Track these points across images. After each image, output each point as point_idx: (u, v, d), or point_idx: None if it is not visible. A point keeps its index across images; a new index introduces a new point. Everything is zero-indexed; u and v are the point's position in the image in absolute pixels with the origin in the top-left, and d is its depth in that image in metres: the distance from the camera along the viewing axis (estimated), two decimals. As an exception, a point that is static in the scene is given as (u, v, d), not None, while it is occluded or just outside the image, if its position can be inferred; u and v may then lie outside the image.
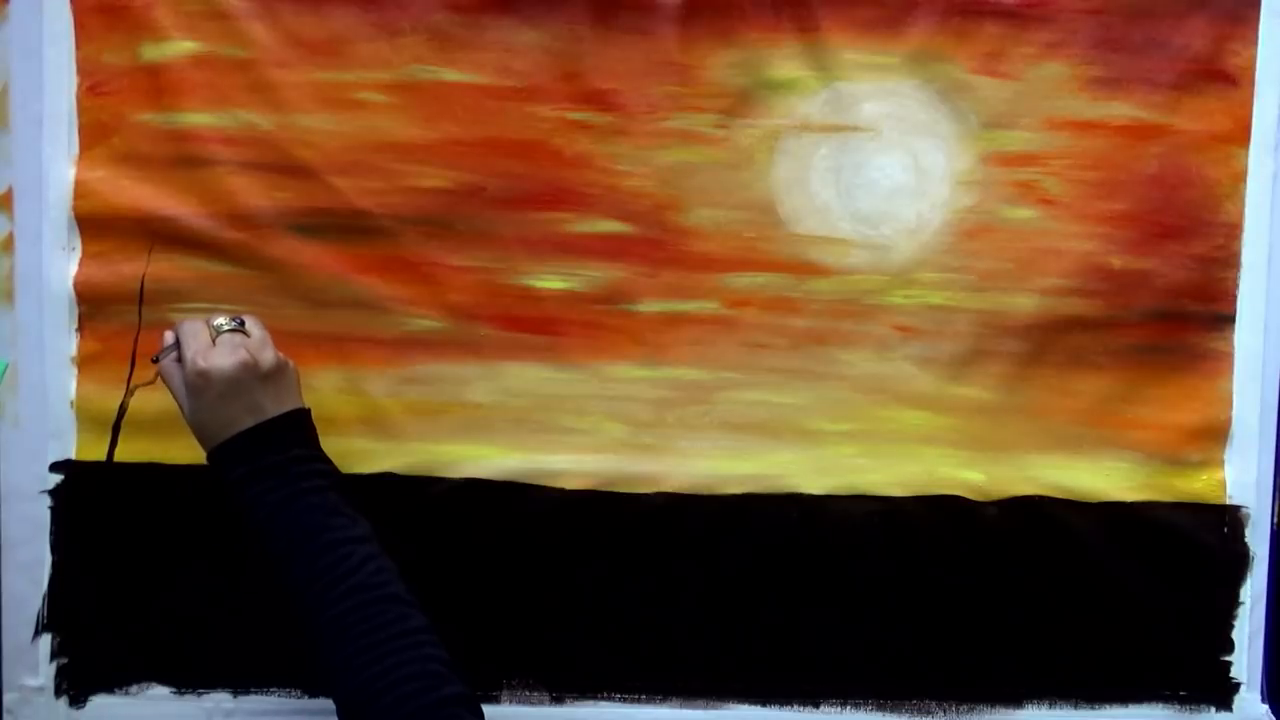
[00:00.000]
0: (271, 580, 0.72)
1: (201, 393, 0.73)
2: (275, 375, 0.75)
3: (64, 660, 0.88)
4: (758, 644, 0.90)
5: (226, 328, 0.75)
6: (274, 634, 0.87)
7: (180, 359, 0.75)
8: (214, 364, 0.73)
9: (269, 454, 0.73)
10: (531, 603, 0.89)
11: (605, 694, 0.90)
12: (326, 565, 0.70)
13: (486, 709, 0.88)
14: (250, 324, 0.76)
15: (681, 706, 0.90)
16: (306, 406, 0.76)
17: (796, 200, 0.87)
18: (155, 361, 0.77)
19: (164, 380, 0.76)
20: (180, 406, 0.75)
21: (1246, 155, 0.88)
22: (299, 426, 0.75)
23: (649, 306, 0.88)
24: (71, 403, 0.86)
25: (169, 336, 0.76)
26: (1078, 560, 0.90)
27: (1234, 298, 0.89)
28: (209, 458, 0.74)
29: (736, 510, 0.89)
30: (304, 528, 0.71)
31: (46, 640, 0.88)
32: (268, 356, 0.74)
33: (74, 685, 0.88)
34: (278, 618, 0.85)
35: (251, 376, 0.73)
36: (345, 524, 0.72)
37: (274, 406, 0.74)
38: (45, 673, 0.88)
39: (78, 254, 0.85)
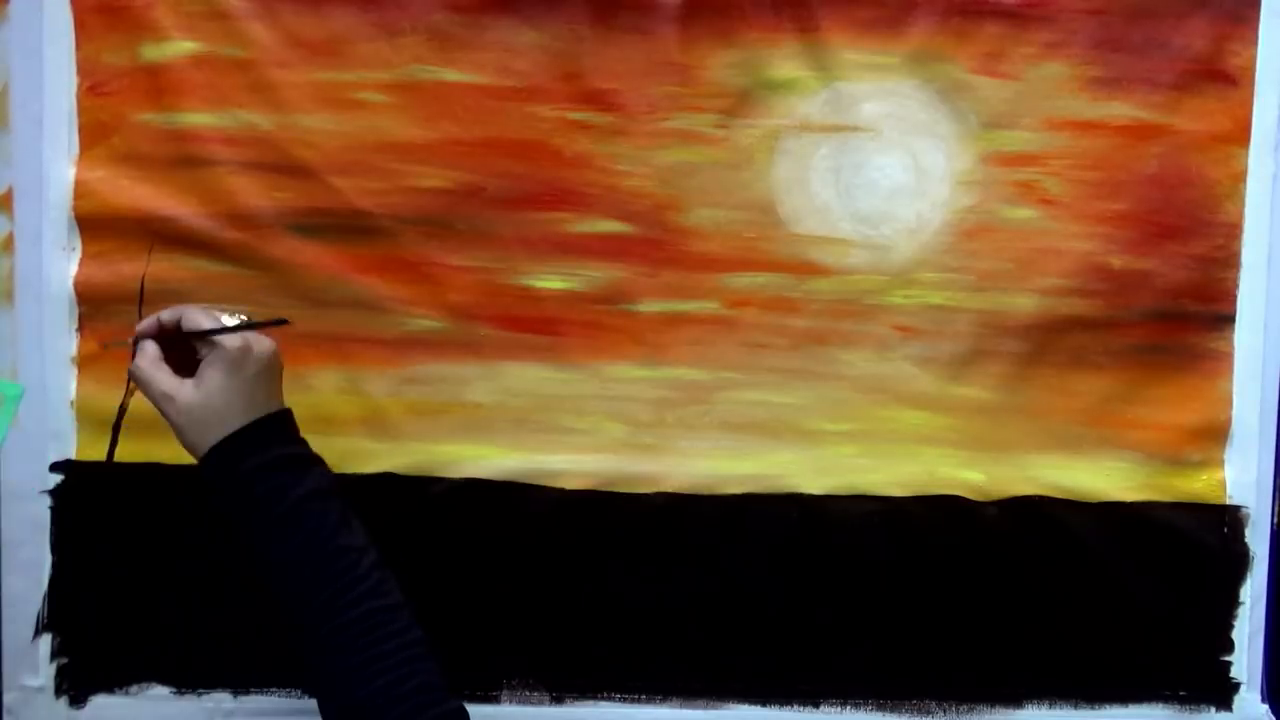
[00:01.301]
0: (265, 578, 0.70)
1: (240, 368, 0.70)
2: (280, 373, 0.74)
3: (64, 660, 0.88)
4: (758, 644, 0.90)
5: (235, 322, 0.72)
6: (274, 634, 0.87)
7: (174, 355, 0.71)
8: (252, 341, 0.71)
9: (270, 451, 0.70)
10: (531, 603, 0.89)
11: (605, 694, 0.90)
12: (334, 574, 0.69)
13: (487, 709, 0.89)
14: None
15: (681, 706, 0.90)
16: (288, 407, 0.74)
17: (796, 200, 0.87)
18: (108, 344, 0.74)
19: (141, 383, 0.72)
20: (166, 407, 0.71)
21: (1246, 155, 0.88)
22: (292, 424, 0.74)
23: (649, 306, 0.88)
24: (71, 403, 0.86)
25: (147, 322, 0.73)
26: (1078, 560, 0.90)
27: (1234, 298, 0.89)
28: (218, 448, 0.69)
29: (736, 510, 0.89)
30: (317, 530, 0.69)
31: (46, 640, 0.88)
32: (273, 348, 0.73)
33: (74, 685, 0.88)
34: (278, 618, 0.86)
35: (279, 366, 0.73)
36: (352, 529, 0.71)
37: (272, 405, 0.72)
38: (45, 673, 0.88)
39: (78, 254, 0.85)
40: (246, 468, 0.70)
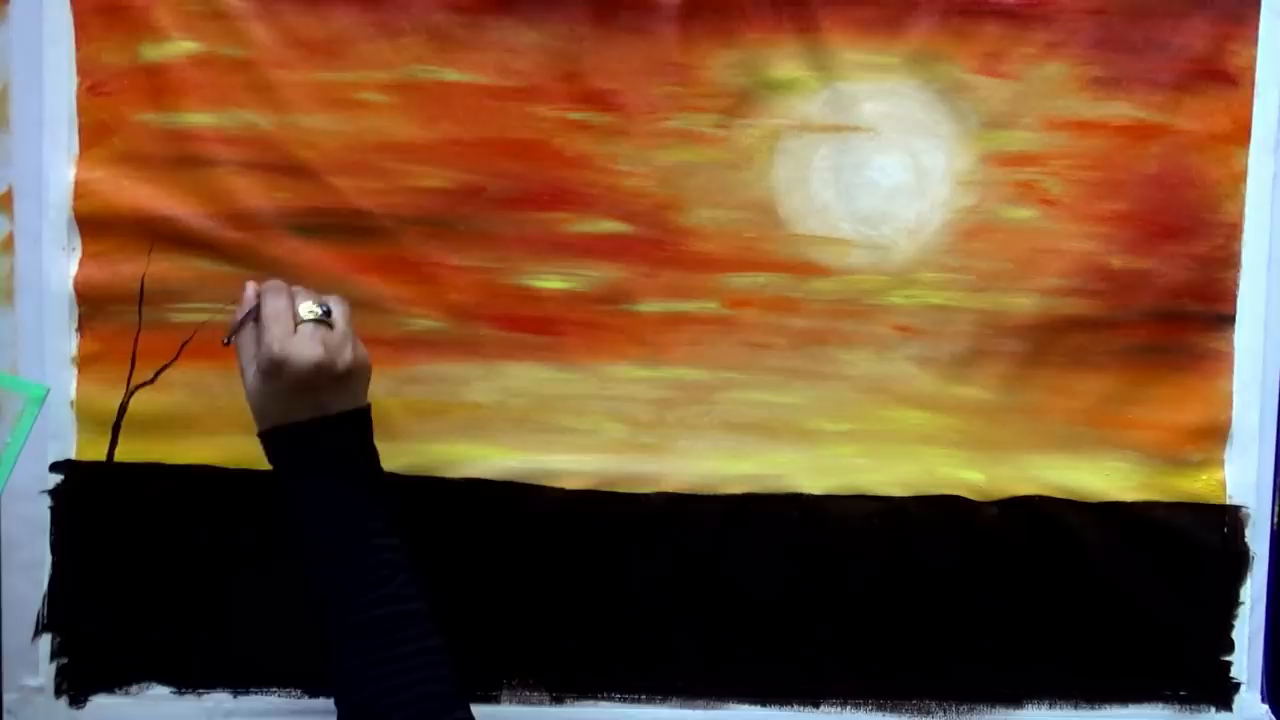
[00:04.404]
0: (301, 570, 0.72)
1: (271, 379, 0.71)
2: (347, 378, 0.73)
3: (64, 660, 0.88)
4: (758, 644, 0.90)
5: (310, 317, 0.72)
6: (274, 634, 0.87)
7: (257, 331, 0.72)
8: (291, 355, 0.70)
9: (319, 451, 0.72)
10: (531, 603, 0.89)
11: (605, 694, 0.90)
12: (361, 571, 0.70)
13: (487, 709, 0.89)
14: (336, 314, 0.74)
15: (681, 706, 0.90)
16: (367, 404, 0.76)
17: (796, 200, 0.87)
18: (228, 338, 0.75)
19: (239, 349, 0.74)
20: (242, 375, 0.74)
21: (1246, 155, 0.88)
22: (356, 426, 0.75)
23: (649, 306, 0.88)
24: (71, 403, 0.86)
25: (250, 295, 0.74)
26: (1078, 560, 0.90)
27: (1234, 298, 0.89)
28: (260, 435, 0.73)
29: (736, 510, 0.89)
30: (343, 530, 0.71)
31: (46, 640, 0.88)
32: (345, 357, 0.73)
33: (74, 685, 0.88)
34: (278, 618, 0.86)
35: (325, 378, 0.72)
36: (382, 529, 0.72)
37: (337, 405, 0.73)
38: (45, 673, 0.88)
39: (78, 254, 0.85)
40: (280, 464, 0.72)
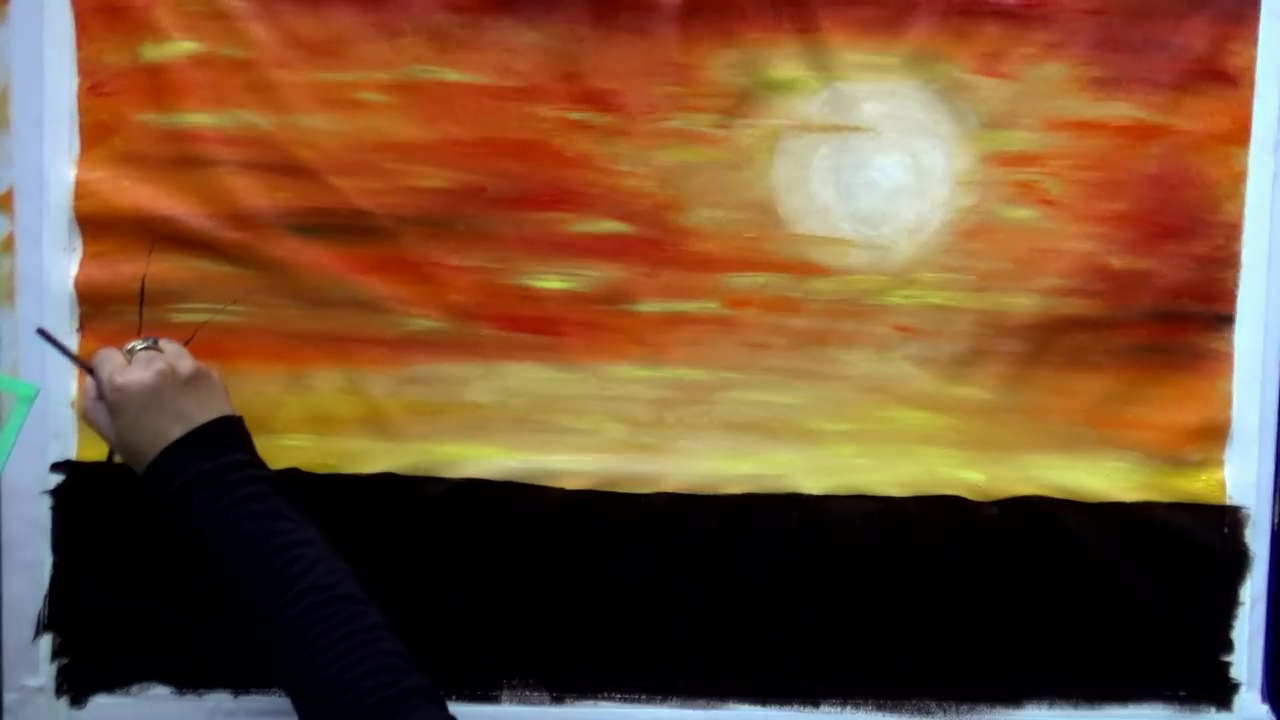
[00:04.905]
0: (221, 587, 0.71)
1: (123, 409, 0.72)
2: (197, 381, 0.74)
3: (64, 660, 0.88)
4: (758, 644, 0.90)
5: (140, 347, 0.75)
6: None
7: (99, 390, 0.74)
8: (130, 378, 0.72)
9: (204, 461, 0.71)
10: (531, 603, 0.89)
11: (605, 694, 0.90)
12: (277, 570, 0.70)
13: (487, 709, 0.89)
14: (164, 342, 0.76)
15: (681, 706, 0.90)
16: (238, 414, 0.75)
17: (796, 200, 0.87)
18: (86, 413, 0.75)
19: (89, 423, 0.75)
20: (109, 441, 0.74)
21: (1246, 155, 0.88)
22: (231, 433, 0.74)
23: (649, 306, 0.88)
24: (71, 403, 0.86)
25: (90, 383, 0.75)
26: (1078, 560, 0.90)
27: (1234, 298, 0.89)
28: (144, 479, 0.72)
29: (736, 510, 0.89)
30: (251, 534, 0.71)
31: (46, 640, 0.88)
32: (185, 364, 0.74)
33: (74, 685, 0.88)
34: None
35: (171, 384, 0.73)
36: (292, 528, 0.72)
37: (202, 414, 0.73)
38: (45, 673, 0.88)
39: (78, 254, 0.85)
40: (169, 491, 0.71)
